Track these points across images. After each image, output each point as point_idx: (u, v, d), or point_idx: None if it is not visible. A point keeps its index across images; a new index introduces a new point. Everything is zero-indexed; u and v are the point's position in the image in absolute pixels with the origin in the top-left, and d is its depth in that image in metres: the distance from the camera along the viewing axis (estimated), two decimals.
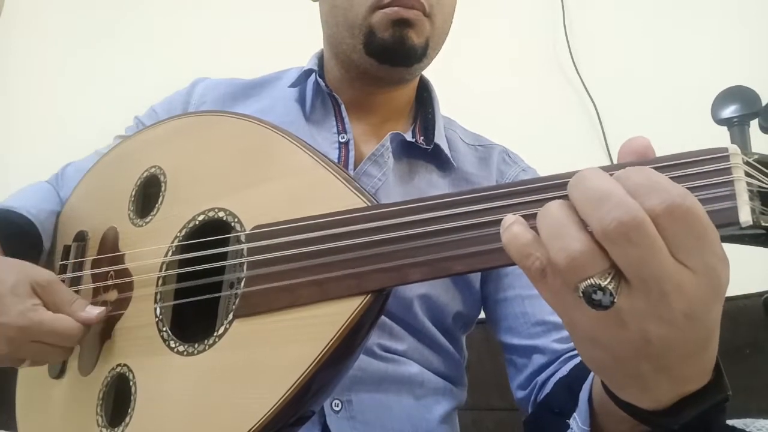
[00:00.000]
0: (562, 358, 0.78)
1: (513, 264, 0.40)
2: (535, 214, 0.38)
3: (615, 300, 0.35)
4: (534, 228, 0.38)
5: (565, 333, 0.79)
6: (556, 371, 0.77)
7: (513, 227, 0.38)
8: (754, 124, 0.47)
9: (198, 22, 2.01)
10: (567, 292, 0.37)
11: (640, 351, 0.38)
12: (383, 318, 0.78)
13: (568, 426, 0.57)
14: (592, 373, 0.55)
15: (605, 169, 0.38)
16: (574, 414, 0.56)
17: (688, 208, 0.34)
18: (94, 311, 0.65)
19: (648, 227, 0.34)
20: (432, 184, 0.87)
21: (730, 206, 0.36)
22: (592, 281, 0.35)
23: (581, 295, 0.35)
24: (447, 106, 0.96)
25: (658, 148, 0.40)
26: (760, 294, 1.19)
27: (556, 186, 0.41)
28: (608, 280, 0.35)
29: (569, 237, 0.35)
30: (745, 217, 0.35)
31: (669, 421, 0.43)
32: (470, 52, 1.59)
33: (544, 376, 0.79)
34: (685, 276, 0.35)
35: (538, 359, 0.80)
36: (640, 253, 0.34)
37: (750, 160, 0.37)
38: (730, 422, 0.60)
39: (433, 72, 0.91)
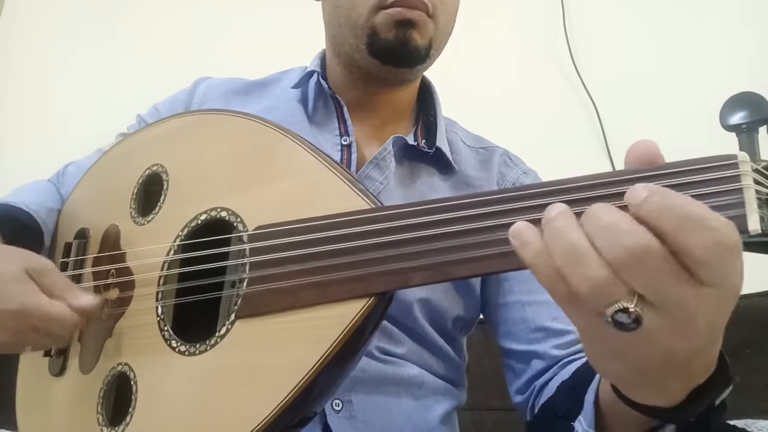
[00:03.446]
0: (560, 363, 0.78)
1: (516, 269, 0.40)
2: (540, 219, 0.38)
3: (641, 323, 0.35)
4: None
5: (564, 339, 0.79)
6: (554, 375, 0.77)
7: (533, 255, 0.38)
8: (763, 130, 0.47)
9: (198, 22, 2.01)
10: (593, 314, 0.37)
11: (662, 363, 0.39)
12: (383, 321, 0.78)
13: (572, 428, 0.57)
14: (597, 376, 0.55)
15: (619, 175, 0.39)
16: (579, 417, 0.56)
17: (712, 229, 0.34)
18: (89, 300, 0.63)
19: (657, 251, 0.34)
20: (433, 187, 0.86)
21: (739, 214, 0.36)
22: (619, 305, 0.35)
23: (609, 320, 0.35)
24: (446, 105, 0.95)
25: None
26: (760, 294, 1.19)
27: (562, 191, 0.41)
28: (634, 302, 0.35)
29: (592, 263, 0.35)
30: (754, 225, 0.35)
31: (686, 414, 0.44)
32: (470, 51, 1.59)
33: (542, 380, 0.78)
34: (707, 295, 0.35)
35: (536, 364, 0.80)
36: (655, 277, 0.34)
37: (759, 168, 0.37)
38: (730, 422, 0.60)
39: (432, 71, 0.90)
